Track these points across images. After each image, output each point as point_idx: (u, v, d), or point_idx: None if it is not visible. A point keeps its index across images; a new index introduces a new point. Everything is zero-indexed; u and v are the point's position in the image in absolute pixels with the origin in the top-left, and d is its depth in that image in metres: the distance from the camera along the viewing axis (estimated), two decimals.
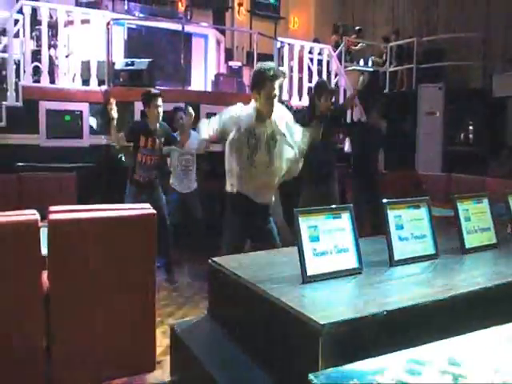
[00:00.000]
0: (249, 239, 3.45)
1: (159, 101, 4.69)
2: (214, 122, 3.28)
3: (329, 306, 1.68)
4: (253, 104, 3.21)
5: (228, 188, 3.30)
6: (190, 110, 4.80)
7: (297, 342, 1.62)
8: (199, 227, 5.68)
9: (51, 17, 6.63)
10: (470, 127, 9.77)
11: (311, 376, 1.07)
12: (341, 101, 8.37)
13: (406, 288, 1.89)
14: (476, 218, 2.39)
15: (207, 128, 3.34)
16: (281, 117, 3.26)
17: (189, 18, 9.27)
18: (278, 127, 3.22)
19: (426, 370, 1.12)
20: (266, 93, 3.12)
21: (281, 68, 7.60)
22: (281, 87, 3.20)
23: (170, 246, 4.87)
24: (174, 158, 5.50)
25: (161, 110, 4.71)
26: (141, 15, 7.98)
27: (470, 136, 9.78)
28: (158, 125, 4.72)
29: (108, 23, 6.51)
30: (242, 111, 3.21)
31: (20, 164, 5.42)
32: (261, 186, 3.25)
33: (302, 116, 4.75)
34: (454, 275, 2.03)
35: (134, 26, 7.54)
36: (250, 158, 3.15)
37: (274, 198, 3.44)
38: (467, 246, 2.31)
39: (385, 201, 2.19)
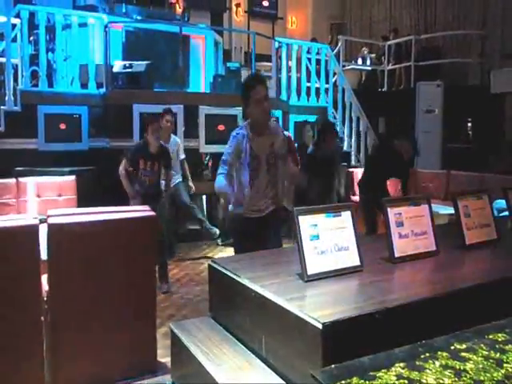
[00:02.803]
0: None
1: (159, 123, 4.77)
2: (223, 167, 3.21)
3: (330, 304, 1.67)
4: (246, 123, 3.21)
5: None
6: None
7: (298, 340, 1.61)
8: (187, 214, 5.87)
9: (49, 21, 6.64)
10: (469, 124, 9.76)
11: (313, 373, 1.06)
12: None
13: (407, 285, 1.89)
14: (476, 214, 2.39)
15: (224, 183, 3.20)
16: (279, 135, 3.27)
17: (186, 19, 9.27)
18: (277, 145, 3.22)
19: (428, 364, 1.12)
20: (253, 99, 3.08)
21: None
22: (266, 94, 3.14)
23: (163, 253, 4.78)
24: None
25: (160, 133, 4.77)
26: (138, 18, 7.98)
27: (469, 133, 9.77)
28: (157, 147, 4.71)
29: (106, 26, 6.52)
30: (238, 134, 3.18)
31: (19, 168, 5.42)
32: (262, 203, 3.24)
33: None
34: (454, 271, 2.02)
35: (131, 29, 7.55)
36: (251, 181, 3.15)
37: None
38: (467, 242, 2.30)
39: (385, 199, 2.19)
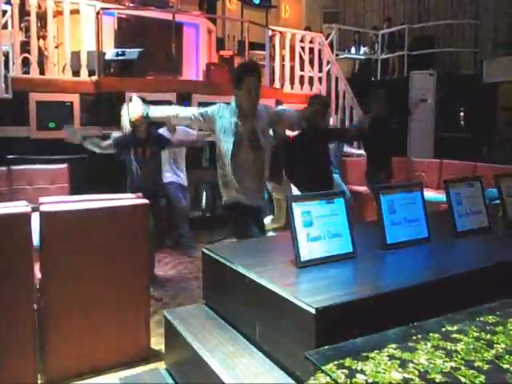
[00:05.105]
0: None
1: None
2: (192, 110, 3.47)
3: (323, 289, 1.68)
4: (233, 102, 3.23)
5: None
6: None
7: (292, 326, 1.62)
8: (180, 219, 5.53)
9: (40, 7, 6.56)
10: (462, 113, 9.79)
11: (307, 354, 1.07)
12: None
13: (399, 271, 1.91)
14: (468, 201, 2.41)
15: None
16: (263, 116, 3.29)
17: (179, 7, 9.17)
18: (260, 125, 3.26)
19: (420, 345, 1.13)
20: (245, 88, 3.13)
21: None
22: (259, 85, 3.20)
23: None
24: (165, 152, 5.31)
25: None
26: (131, 5, 7.89)
27: (462, 122, 9.80)
28: (145, 130, 4.41)
29: (98, 13, 6.45)
30: (225, 109, 3.24)
31: (10, 156, 5.37)
32: (247, 185, 3.23)
33: None
34: (445, 258, 2.04)
35: (124, 16, 7.46)
36: (233, 156, 3.15)
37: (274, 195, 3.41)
38: (459, 229, 2.32)
39: (378, 186, 2.20)
